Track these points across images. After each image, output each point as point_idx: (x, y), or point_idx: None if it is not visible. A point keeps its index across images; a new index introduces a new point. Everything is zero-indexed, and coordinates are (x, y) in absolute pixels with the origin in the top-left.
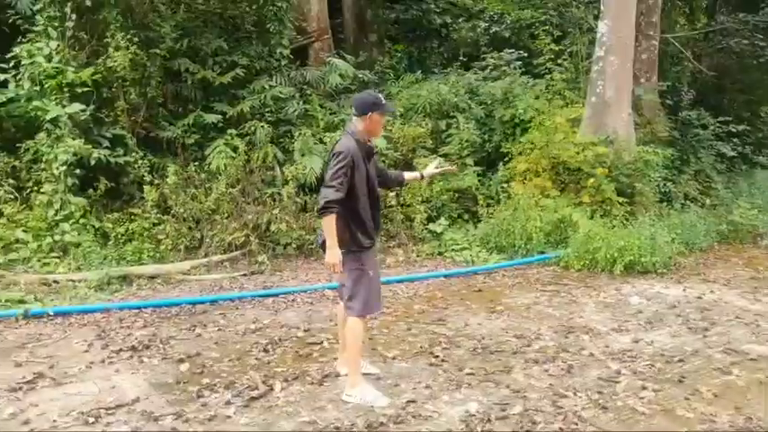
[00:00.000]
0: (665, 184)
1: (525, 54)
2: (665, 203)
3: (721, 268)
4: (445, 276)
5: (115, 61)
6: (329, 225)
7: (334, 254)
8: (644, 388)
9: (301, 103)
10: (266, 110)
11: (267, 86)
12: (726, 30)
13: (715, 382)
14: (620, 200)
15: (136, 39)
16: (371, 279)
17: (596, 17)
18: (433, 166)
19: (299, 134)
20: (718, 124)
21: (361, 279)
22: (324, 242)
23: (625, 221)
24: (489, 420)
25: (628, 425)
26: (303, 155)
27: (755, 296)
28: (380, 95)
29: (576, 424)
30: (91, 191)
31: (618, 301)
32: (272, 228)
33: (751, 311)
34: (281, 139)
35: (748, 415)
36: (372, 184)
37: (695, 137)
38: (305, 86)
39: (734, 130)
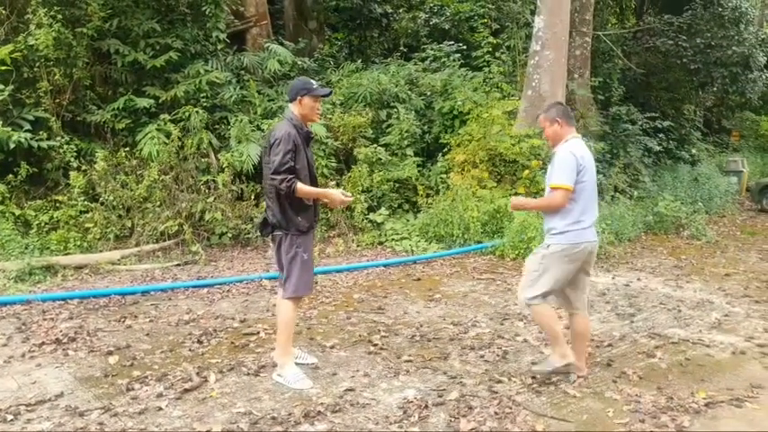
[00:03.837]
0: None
1: (464, 47)
2: None
3: (647, 257)
4: (385, 266)
5: (37, 39)
6: (305, 192)
7: (331, 194)
8: None
9: (238, 88)
10: (201, 95)
11: (202, 71)
12: (652, 30)
13: (640, 365)
14: None
15: (60, 16)
16: (305, 262)
17: (533, 12)
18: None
19: (236, 120)
20: (645, 120)
21: (295, 260)
22: (263, 223)
23: None
24: (427, 407)
25: (559, 407)
26: (240, 142)
27: (678, 283)
28: (311, 80)
29: (511, 408)
30: (11, 176)
31: None
32: (207, 217)
33: (673, 298)
34: (217, 126)
35: (669, 395)
36: (311, 170)
37: (624, 132)
38: (242, 72)
39: (660, 126)
